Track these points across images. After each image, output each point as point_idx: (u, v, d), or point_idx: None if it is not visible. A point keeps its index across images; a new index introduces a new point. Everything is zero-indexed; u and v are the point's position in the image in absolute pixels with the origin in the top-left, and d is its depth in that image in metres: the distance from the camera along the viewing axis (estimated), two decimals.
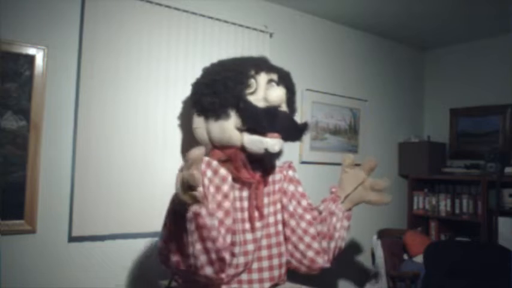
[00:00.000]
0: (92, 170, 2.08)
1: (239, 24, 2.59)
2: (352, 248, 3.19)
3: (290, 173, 1.94)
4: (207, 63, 2.10)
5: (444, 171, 3.44)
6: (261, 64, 1.93)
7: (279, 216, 1.85)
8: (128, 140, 2.18)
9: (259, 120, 1.76)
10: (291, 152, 2.85)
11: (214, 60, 2.12)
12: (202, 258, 1.48)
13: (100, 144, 2.10)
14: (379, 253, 3.08)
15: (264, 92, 1.82)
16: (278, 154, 1.82)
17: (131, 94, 2.21)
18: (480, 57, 3.51)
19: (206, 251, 1.48)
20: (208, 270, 1.50)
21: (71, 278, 2.06)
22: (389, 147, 3.59)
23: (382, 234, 3.19)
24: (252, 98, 1.81)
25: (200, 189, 1.34)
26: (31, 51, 1.97)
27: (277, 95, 1.81)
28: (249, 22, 2.65)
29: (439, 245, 2.72)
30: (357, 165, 1.99)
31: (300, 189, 1.95)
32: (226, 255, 1.55)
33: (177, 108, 2.35)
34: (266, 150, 1.76)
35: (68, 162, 2.07)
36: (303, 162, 2.93)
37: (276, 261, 1.80)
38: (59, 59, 2.06)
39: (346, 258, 3.10)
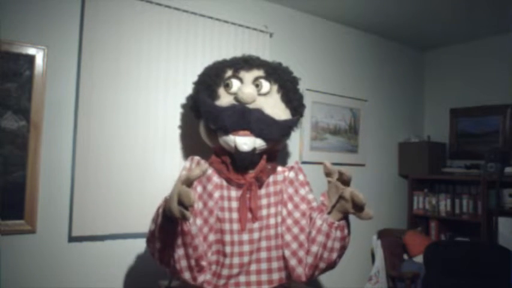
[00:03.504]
0: (92, 170, 2.08)
1: (239, 24, 2.59)
2: (352, 248, 3.18)
3: (291, 174, 1.85)
4: (207, 63, 2.12)
5: (444, 171, 3.44)
6: (239, 63, 1.94)
7: (280, 219, 1.80)
8: (127, 140, 2.19)
9: (219, 120, 1.79)
10: (290, 152, 2.87)
11: (214, 60, 2.15)
12: (183, 263, 1.56)
13: (100, 144, 2.10)
14: (379, 253, 3.08)
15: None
16: (253, 153, 1.78)
17: (131, 94, 2.21)
18: (480, 57, 3.51)
19: (187, 257, 1.55)
20: (186, 275, 1.60)
21: (71, 278, 2.06)
22: (389, 147, 3.59)
23: (382, 234, 3.19)
24: (228, 99, 1.85)
25: (192, 207, 1.36)
26: (31, 51, 1.97)
27: (242, 92, 1.81)
28: (249, 22, 2.65)
29: (439, 245, 2.72)
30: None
31: (302, 191, 1.83)
32: (204, 263, 1.65)
33: (177, 108, 2.36)
34: (236, 148, 1.77)
35: (68, 162, 2.07)
36: (303, 162, 2.93)
37: (275, 264, 1.77)
38: (59, 59, 2.06)
39: (346, 258, 3.09)
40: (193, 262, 1.58)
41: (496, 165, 2.93)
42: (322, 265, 1.67)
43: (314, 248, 1.65)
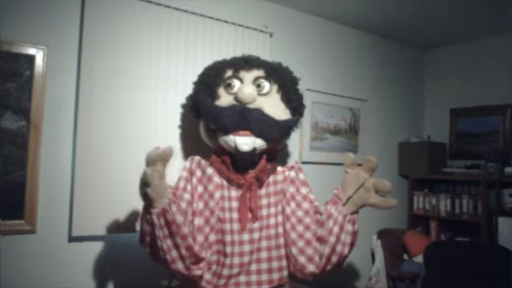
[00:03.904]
0: (92, 170, 2.07)
1: (239, 24, 2.59)
2: None
3: (292, 173, 1.86)
4: (207, 63, 2.12)
5: (444, 171, 3.44)
6: (239, 63, 1.95)
7: (280, 218, 1.81)
8: (127, 140, 2.18)
9: (219, 120, 1.80)
10: (290, 152, 2.87)
11: (214, 60, 2.15)
12: (173, 253, 1.56)
13: (100, 144, 2.10)
14: (379, 253, 3.08)
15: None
16: (253, 153, 1.78)
17: (131, 94, 2.21)
18: (480, 57, 3.51)
19: (176, 246, 1.55)
20: (179, 265, 1.58)
21: (71, 278, 2.06)
22: (389, 147, 3.59)
23: (382, 234, 3.19)
24: (228, 99, 1.86)
25: (155, 186, 1.46)
26: (31, 51, 1.97)
27: (242, 92, 1.82)
28: (249, 22, 2.65)
29: (439, 245, 2.72)
30: (359, 165, 1.90)
31: (304, 190, 1.84)
32: (202, 253, 1.64)
33: (177, 108, 2.36)
34: (236, 148, 1.77)
35: (68, 162, 2.07)
36: (303, 162, 2.93)
37: (275, 264, 1.77)
38: (59, 59, 2.06)
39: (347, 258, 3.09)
40: (184, 252, 1.56)
41: (496, 165, 2.92)
42: (334, 259, 1.67)
43: (332, 239, 1.64)
